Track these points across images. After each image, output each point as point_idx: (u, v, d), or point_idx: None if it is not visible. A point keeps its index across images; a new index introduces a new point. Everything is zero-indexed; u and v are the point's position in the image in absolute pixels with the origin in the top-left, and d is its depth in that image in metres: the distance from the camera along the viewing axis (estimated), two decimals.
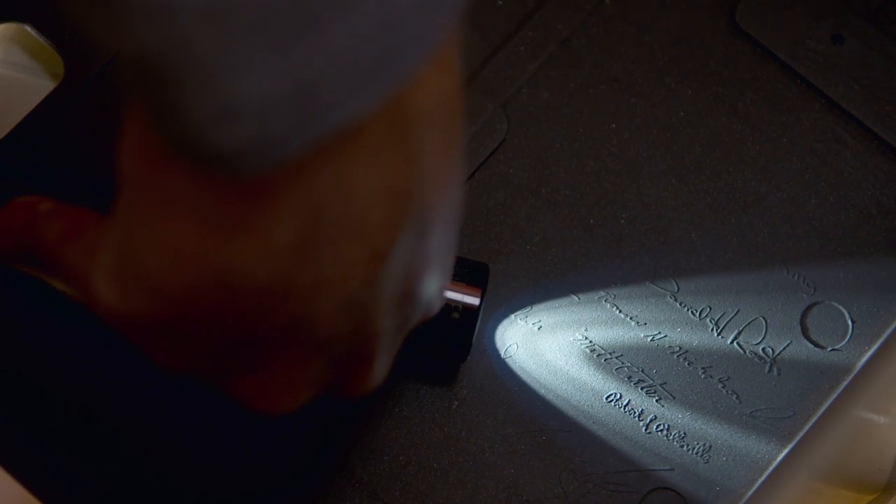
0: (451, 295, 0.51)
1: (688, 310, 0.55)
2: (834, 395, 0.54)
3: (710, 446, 0.54)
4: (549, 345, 0.55)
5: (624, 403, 0.54)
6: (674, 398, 0.54)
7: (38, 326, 0.54)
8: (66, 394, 0.53)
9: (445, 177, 0.37)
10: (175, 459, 0.53)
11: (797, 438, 0.53)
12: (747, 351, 0.55)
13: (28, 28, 0.57)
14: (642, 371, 0.54)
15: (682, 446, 0.54)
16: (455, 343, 0.52)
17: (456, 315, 0.51)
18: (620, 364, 0.55)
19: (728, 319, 0.55)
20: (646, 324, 0.55)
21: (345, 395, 0.44)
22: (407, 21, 0.32)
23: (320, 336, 0.39)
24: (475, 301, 0.51)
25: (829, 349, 0.55)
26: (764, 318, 0.55)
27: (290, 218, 0.35)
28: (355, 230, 0.36)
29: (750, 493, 0.53)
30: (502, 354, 0.55)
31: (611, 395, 0.54)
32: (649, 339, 0.55)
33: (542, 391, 0.54)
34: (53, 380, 0.53)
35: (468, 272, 0.51)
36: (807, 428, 0.54)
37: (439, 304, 0.43)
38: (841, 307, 0.55)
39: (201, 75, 0.31)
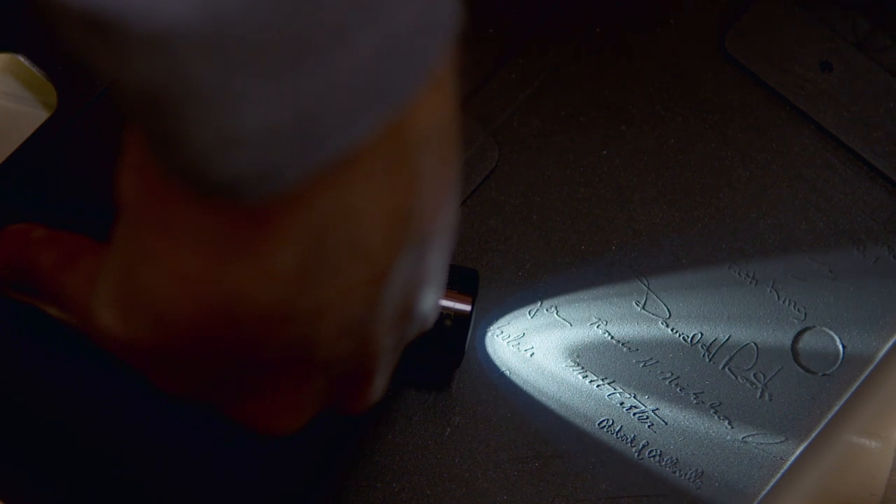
0: (442, 303, 0.51)
1: (679, 336, 0.55)
2: (825, 421, 0.54)
3: (703, 472, 0.54)
4: (541, 371, 0.55)
5: (616, 429, 0.54)
6: (666, 424, 0.54)
7: (31, 352, 0.54)
8: (60, 419, 0.53)
9: (443, 195, 0.38)
10: (167, 487, 0.53)
11: (789, 464, 0.54)
12: (739, 377, 0.55)
13: (21, 58, 0.57)
14: (634, 397, 0.55)
15: (675, 472, 0.54)
16: (448, 350, 0.52)
17: (448, 322, 0.51)
18: (612, 390, 0.55)
19: (719, 345, 0.55)
20: (637, 350, 0.55)
21: (344, 413, 0.44)
22: (404, 46, 0.32)
23: (322, 358, 0.39)
24: (467, 308, 0.51)
25: (820, 374, 0.55)
26: (755, 343, 0.55)
27: (293, 243, 0.35)
28: (357, 253, 0.36)
29: None
30: (494, 381, 0.55)
31: (603, 421, 0.54)
32: (641, 364, 0.55)
33: (535, 417, 0.54)
34: (47, 406, 0.53)
35: (458, 279, 0.52)
36: (798, 453, 0.54)
37: (434, 317, 0.43)
38: (832, 333, 0.56)
39: (202, 106, 0.31)
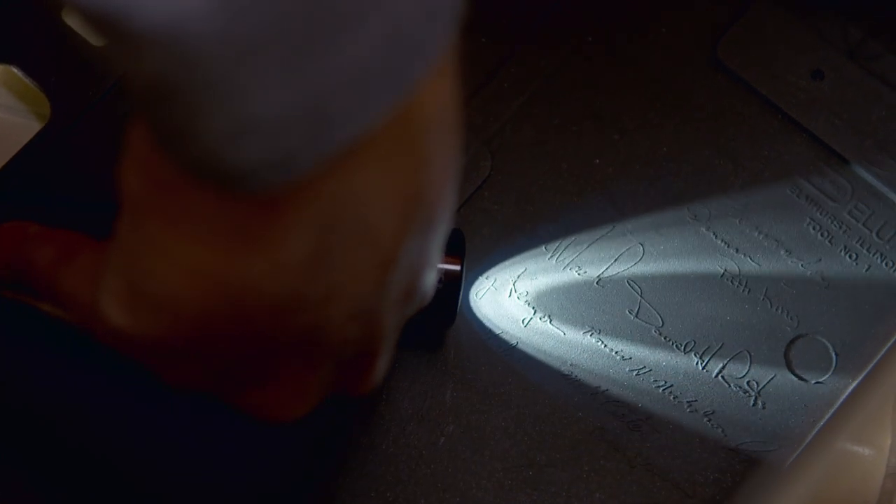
0: None
1: (672, 344, 0.55)
2: (818, 428, 0.54)
3: (696, 480, 0.54)
4: (534, 380, 0.55)
5: (609, 438, 0.54)
6: (659, 432, 0.54)
7: (25, 350, 0.53)
8: (55, 417, 0.53)
9: (447, 176, 0.38)
10: (161, 483, 0.53)
11: (782, 471, 0.54)
12: (732, 385, 0.55)
13: (14, 69, 0.57)
14: (627, 406, 0.55)
15: (668, 480, 0.54)
16: (441, 311, 0.52)
17: (440, 285, 0.51)
18: (606, 399, 0.55)
19: (713, 353, 0.55)
20: (630, 358, 0.55)
21: (348, 395, 0.44)
22: (411, 31, 0.32)
23: (331, 343, 0.39)
24: (457, 268, 0.52)
25: (812, 382, 0.55)
26: (748, 351, 0.55)
27: (304, 231, 0.35)
28: (367, 238, 0.36)
29: None
30: (488, 390, 0.55)
31: (596, 429, 0.54)
32: (634, 373, 0.55)
33: (529, 426, 0.54)
34: (42, 404, 0.53)
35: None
36: (791, 461, 0.54)
37: (432, 292, 0.44)
38: (824, 340, 0.56)
39: (214, 97, 0.31)
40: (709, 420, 0.54)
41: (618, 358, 0.55)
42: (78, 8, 0.30)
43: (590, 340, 0.55)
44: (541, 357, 0.55)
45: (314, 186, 0.34)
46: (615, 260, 0.56)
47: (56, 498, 0.53)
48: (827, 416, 0.54)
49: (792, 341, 0.56)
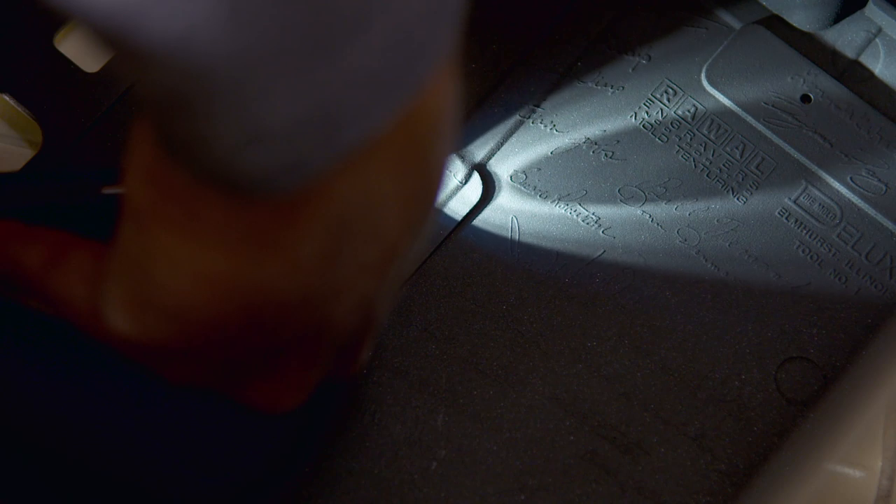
0: None
1: (663, 367, 0.56)
2: (809, 451, 0.54)
3: None
4: (526, 404, 0.55)
5: (601, 462, 0.54)
6: (650, 456, 0.54)
7: (11, 346, 0.53)
8: (40, 412, 0.53)
9: (444, 169, 0.38)
10: (138, 489, 0.53)
11: (773, 495, 0.54)
12: (722, 407, 0.55)
13: (6, 97, 0.57)
14: (618, 429, 0.55)
15: None
16: None
17: None
18: (597, 423, 0.55)
19: (703, 376, 0.56)
20: (621, 381, 0.55)
21: (338, 379, 0.45)
22: (417, 31, 0.32)
23: (334, 335, 0.40)
24: None
25: (803, 404, 0.55)
26: (738, 374, 0.56)
27: (317, 232, 0.35)
28: (374, 235, 0.36)
29: None
30: (480, 414, 0.55)
31: (588, 453, 0.54)
32: (625, 396, 0.55)
33: (520, 451, 0.54)
34: (29, 398, 0.53)
35: None
36: (783, 484, 0.54)
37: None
38: (814, 362, 0.56)
39: (226, 107, 0.31)
40: (699, 443, 0.55)
41: (608, 381, 0.55)
42: (86, 22, 0.30)
43: (580, 363, 0.56)
44: (532, 381, 0.55)
45: (325, 188, 0.35)
46: (605, 283, 0.57)
47: (46, 492, 0.52)
48: (818, 439, 0.54)
49: (782, 364, 0.56)
